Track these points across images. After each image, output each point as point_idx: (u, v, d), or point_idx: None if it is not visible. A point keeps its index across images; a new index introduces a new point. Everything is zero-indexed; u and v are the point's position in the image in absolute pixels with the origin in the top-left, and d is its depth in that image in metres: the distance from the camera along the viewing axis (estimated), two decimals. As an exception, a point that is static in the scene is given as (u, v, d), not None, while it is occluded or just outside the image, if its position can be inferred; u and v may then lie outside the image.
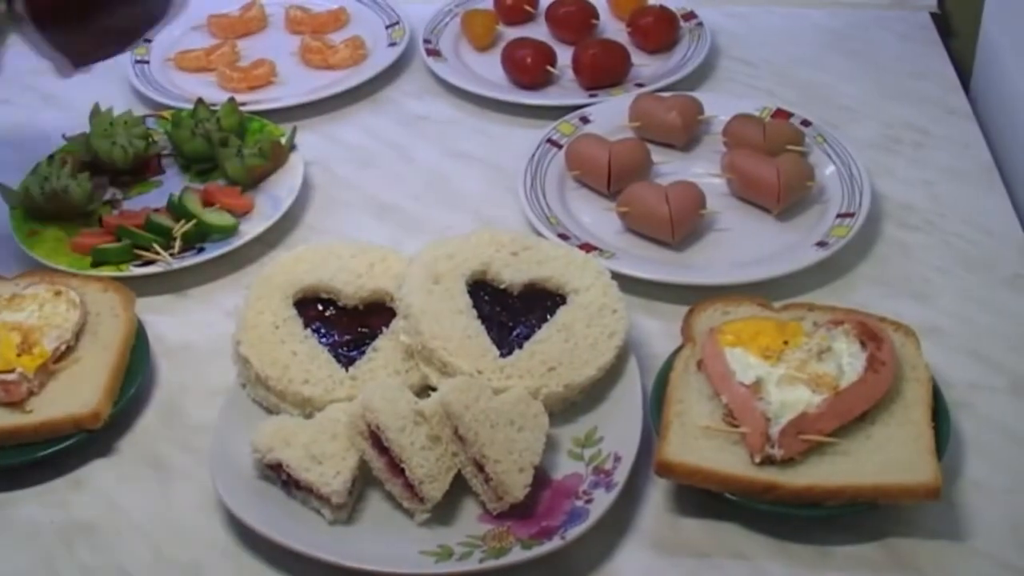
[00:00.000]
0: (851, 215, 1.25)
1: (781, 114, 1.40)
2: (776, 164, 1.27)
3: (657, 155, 1.35)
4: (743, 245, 1.25)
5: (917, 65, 1.57)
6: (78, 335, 1.12)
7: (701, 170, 1.34)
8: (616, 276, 1.15)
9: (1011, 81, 1.46)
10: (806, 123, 1.38)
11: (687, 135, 1.39)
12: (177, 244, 1.25)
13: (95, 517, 1.02)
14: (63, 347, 1.10)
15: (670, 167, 1.35)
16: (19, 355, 1.08)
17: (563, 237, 1.24)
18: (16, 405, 1.06)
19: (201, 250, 1.26)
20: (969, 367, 1.11)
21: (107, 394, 1.07)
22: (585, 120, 1.42)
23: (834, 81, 1.54)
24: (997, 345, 1.13)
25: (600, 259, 1.19)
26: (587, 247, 1.22)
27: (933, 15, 1.68)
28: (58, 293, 1.14)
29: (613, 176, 1.30)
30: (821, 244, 1.21)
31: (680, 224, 1.23)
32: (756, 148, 1.32)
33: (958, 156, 1.39)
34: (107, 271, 1.23)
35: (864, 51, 1.61)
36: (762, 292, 1.14)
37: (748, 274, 1.19)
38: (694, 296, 1.13)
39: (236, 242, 1.27)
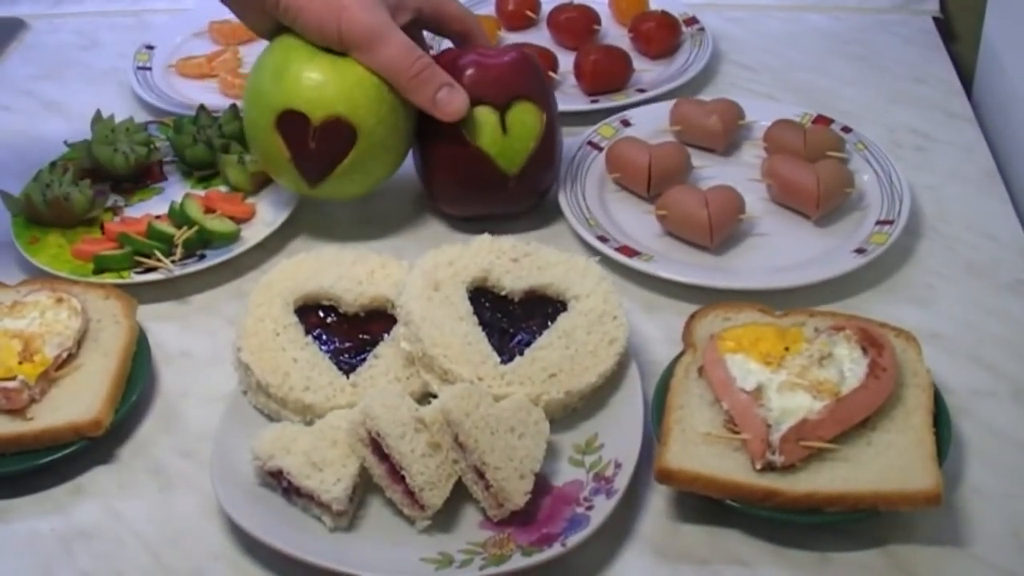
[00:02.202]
0: (890, 222, 1.25)
1: (821, 120, 1.40)
2: (815, 170, 1.27)
3: (697, 159, 1.35)
4: (782, 250, 1.25)
5: (919, 69, 1.57)
6: (79, 342, 1.12)
7: (740, 175, 1.33)
8: (655, 279, 1.17)
9: (1013, 85, 1.46)
10: (847, 129, 1.38)
11: (727, 140, 1.39)
12: (179, 251, 1.25)
13: (95, 524, 1.02)
14: (64, 354, 1.10)
15: (710, 171, 1.36)
16: (20, 362, 1.07)
17: (602, 239, 1.24)
18: (17, 412, 1.06)
19: (203, 257, 1.26)
20: (971, 373, 1.11)
21: (108, 401, 1.07)
22: (626, 123, 1.42)
23: (836, 85, 1.54)
24: (999, 351, 1.13)
25: (639, 262, 1.20)
26: (626, 250, 1.23)
27: (936, 19, 1.68)
28: (59, 300, 1.14)
29: (653, 179, 1.30)
30: (860, 251, 1.21)
31: (719, 228, 1.23)
32: (796, 154, 1.32)
33: (960, 161, 1.39)
34: (108, 278, 1.23)
35: (866, 55, 1.61)
36: (800, 298, 1.15)
37: (787, 279, 1.19)
38: (731, 300, 1.13)
39: (237, 249, 1.27)
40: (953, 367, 1.10)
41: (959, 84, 1.54)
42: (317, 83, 1.21)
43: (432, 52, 1.55)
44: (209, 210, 1.30)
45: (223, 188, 1.36)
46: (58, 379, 1.09)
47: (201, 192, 1.34)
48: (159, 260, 1.24)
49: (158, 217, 1.30)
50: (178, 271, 1.24)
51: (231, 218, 1.29)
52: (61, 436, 1.04)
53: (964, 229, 1.28)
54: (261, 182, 1.35)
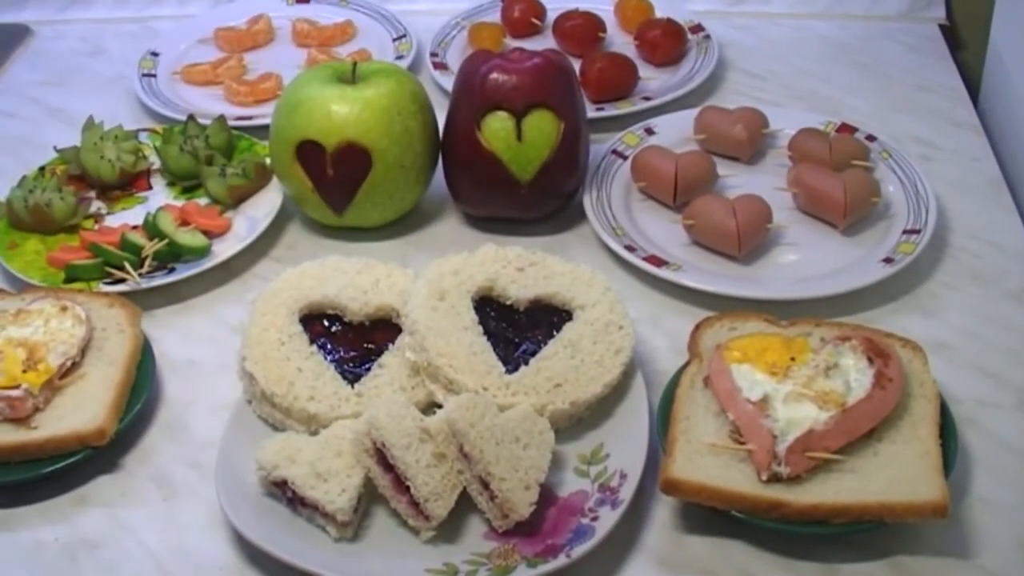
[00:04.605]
0: (917, 231, 1.24)
1: (846, 129, 1.40)
2: (842, 179, 1.27)
3: (722, 168, 1.35)
4: (809, 260, 1.25)
5: (925, 77, 1.56)
6: (84, 351, 1.12)
7: (766, 184, 1.33)
8: (683, 289, 1.18)
9: (1020, 93, 1.46)
10: (871, 138, 1.38)
11: (752, 148, 1.39)
12: (147, 263, 1.25)
13: (99, 534, 1.02)
14: (69, 363, 1.10)
15: (735, 180, 1.35)
16: (25, 371, 1.07)
17: (629, 249, 1.25)
18: (21, 421, 1.06)
19: (172, 270, 1.25)
20: (977, 383, 1.10)
21: (112, 410, 1.07)
22: (650, 132, 1.43)
23: (841, 94, 1.54)
24: (1005, 361, 1.13)
25: (668, 272, 1.21)
26: (653, 259, 1.23)
27: (942, 27, 1.67)
28: (64, 309, 1.14)
29: (679, 188, 1.30)
30: (888, 260, 1.21)
31: (747, 238, 1.23)
32: (822, 163, 1.32)
33: (966, 169, 1.39)
34: (78, 287, 1.22)
35: (872, 63, 1.61)
36: (806, 308, 1.15)
37: (815, 289, 1.19)
38: (760, 310, 1.12)
39: (207, 263, 1.26)
40: (959, 377, 1.10)
41: (965, 92, 1.53)
42: (328, 111, 1.24)
43: (439, 59, 1.56)
44: (184, 223, 1.29)
45: (203, 200, 1.35)
46: (62, 388, 1.09)
47: (179, 204, 1.34)
48: (127, 272, 1.24)
49: (134, 227, 1.29)
50: (145, 284, 1.23)
51: (206, 232, 1.29)
52: (65, 445, 1.04)
53: (970, 238, 1.28)
54: (240, 196, 1.34)
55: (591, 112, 1.45)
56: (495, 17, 1.67)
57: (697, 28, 1.62)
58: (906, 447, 0.98)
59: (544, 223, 1.31)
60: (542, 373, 1.04)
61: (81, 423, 1.05)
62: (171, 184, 1.40)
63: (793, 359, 1.02)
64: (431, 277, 1.10)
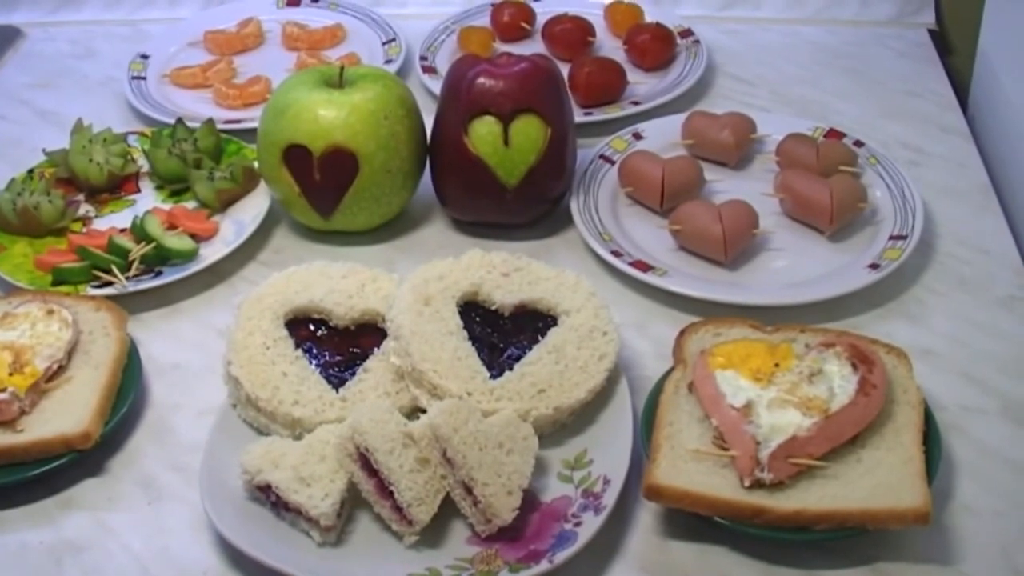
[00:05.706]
0: (904, 237, 1.25)
1: (834, 134, 1.40)
2: (829, 185, 1.27)
3: (709, 173, 1.35)
4: (796, 266, 1.25)
5: (914, 83, 1.57)
6: (70, 354, 1.12)
7: (753, 189, 1.33)
8: (669, 294, 1.18)
9: (1009, 99, 1.46)
10: (859, 144, 1.38)
11: (739, 154, 1.39)
12: (135, 267, 1.25)
13: (85, 537, 1.02)
14: (55, 366, 1.10)
15: (722, 185, 1.36)
16: (11, 374, 1.07)
17: (616, 254, 1.25)
18: (7, 424, 1.06)
19: (159, 274, 1.25)
20: (962, 390, 1.11)
21: (98, 414, 1.07)
22: (638, 136, 1.43)
23: (830, 99, 1.54)
24: (990, 368, 1.13)
25: (653, 277, 1.21)
26: (640, 265, 1.23)
27: (931, 32, 1.68)
28: (50, 312, 1.14)
29: (666, 194, 1.30)
30: (874, 266, 1.21)
31: (733, 243, 1.23)
32: (809, 168, 1.32)
33: (954, 175, 1.39)
34: (65, 291, 1.22)
35: (861, 69, 1.61)
36: (793, 314, 1.15)
37: (801, 295, 1.19)
38: (746, 316, 1.13)
39: (194, 267, 1.26)
40: (944, 384, 1.10)
41: (954, 98, 1.54)
42: (315, 115, 1.24)
43: (429, 63, 1.56)
44: (172, 226, 1.29)
45: (191, 204, 1.36)
46: (48, 391, 1.09)
47: (167, 207, 1.34)
48: (114, 276, 1.24)
49: (122, 231, 1.29)
50: (132, 287, 1.23)
51: (193, 235, 1.29)
52: (51, 448, 1.04)
53: (957, 244, 1.28)
54: (228, 200, 1.34)
55: (579, 116, 1.45)
56: (484, 21, 1.67)
57: (686, 33, 1.62)
58: (889, 454, 0.98)
59: (531, 228, 1.31)
60: (526, 378, 1.04)
61: (67, 426, 1.05)
62: (159, 187, 1.40)
63: (777, 365, 1.02)
64: (416, 282, 1.10)
